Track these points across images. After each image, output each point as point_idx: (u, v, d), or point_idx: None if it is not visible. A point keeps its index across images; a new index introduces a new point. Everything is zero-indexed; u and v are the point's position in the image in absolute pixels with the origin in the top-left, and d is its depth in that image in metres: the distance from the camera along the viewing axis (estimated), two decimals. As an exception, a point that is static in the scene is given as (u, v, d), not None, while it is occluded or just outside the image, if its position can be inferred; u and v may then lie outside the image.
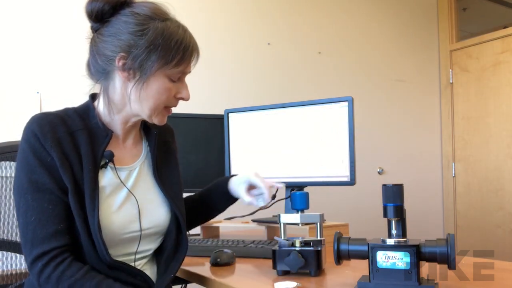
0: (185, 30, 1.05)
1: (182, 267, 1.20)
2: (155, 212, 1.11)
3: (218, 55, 2.64)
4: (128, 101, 1.05)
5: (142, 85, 1.02)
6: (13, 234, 1.29)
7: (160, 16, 1.03)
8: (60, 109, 1.06)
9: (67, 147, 0.99)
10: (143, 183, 1.11)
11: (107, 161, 1.04)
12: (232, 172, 1.77)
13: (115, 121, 1.08)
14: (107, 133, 1.06)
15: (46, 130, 0.98)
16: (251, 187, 1.25)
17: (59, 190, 0.97)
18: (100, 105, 1.08)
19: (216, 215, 1.34)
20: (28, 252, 0.94)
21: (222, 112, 1.82)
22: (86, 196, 0.97)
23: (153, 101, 1.04)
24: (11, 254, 1.30)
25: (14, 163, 1.28)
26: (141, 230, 1.06)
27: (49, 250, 0.93)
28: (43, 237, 0.94)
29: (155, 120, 1.08)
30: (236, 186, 1.26)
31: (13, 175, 1.27)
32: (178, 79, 1.06)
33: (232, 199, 1.29)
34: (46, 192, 0.96)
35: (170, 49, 1.01)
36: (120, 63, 1.01)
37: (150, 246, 1.11)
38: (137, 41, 1.00)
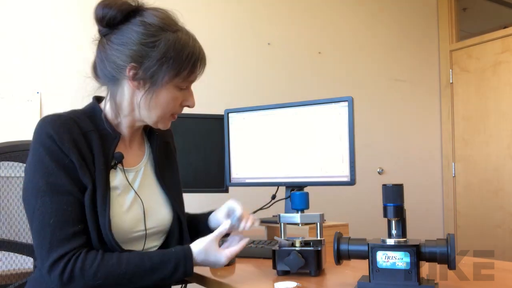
0: (194, 40, 1.07)
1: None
2: (159, 212, 1.13)
3: (218, 55, 2.64)
4: (137, 108, 1.07)
5: (152, 95, 1.04)
6: (13, 234, 1.29)
7: (170, 27, 1.03)
8: (67, 111, 1.06)
9: (83, 147, 1.00)
10: (147, 184, 1.14)
11: (116, 162, 1.06)
12: (232, 174, 1.77)
13: (122, 124, 1.10)
14: (115, 135, 1.08)
15: (62, 131, 0.98)
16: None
17: (77, 191, 0.97)
18: (107, 108, 1.10)
19: None
20: (46, 255, 0.93)
21: (222, 112, 1.82)
22: (98, 196, 0.98)
23: (162, 109, 1.07)
24: (11, 254, 1.30)
25: (15, 163, 1.28)
26: (146, 229, 1.08)
27: (69, 251, 0.94)
28: (62, 239, 0.94)
29: (160, 126, 1.11)
30: (216, 214, 1.23)
31: (13, 175, 1.27)
32: (185, 88, 1.09)
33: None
34: (65, 194, 0.96)
35: (182, 61, 1.03)
36: (131, 73, 1.02)
37: (154, 243, 1.14)
38: (149, 53, 1.01)
